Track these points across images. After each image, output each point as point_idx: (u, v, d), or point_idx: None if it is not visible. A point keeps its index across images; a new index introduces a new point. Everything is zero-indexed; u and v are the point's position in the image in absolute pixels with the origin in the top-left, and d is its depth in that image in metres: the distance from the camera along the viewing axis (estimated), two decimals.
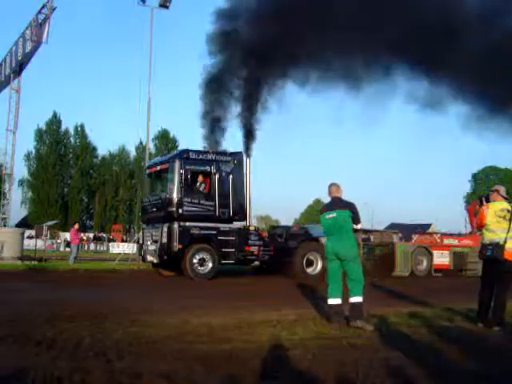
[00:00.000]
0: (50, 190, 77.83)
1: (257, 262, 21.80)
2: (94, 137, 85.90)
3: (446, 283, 22.52)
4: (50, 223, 45.70)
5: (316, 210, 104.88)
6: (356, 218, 9.38)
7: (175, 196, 19.94)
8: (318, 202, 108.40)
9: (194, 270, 19.61)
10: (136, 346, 7.01)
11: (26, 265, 23.79)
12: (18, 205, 76.73)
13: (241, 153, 22.40)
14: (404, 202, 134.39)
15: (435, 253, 26.34)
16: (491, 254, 9.44)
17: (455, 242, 27.64)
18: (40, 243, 37.89)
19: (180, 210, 19.85)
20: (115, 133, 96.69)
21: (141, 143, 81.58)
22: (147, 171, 23.27)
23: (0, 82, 32.57)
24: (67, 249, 45.24)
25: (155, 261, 20.66)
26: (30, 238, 41.54)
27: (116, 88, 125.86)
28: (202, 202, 20.35)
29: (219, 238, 20.34)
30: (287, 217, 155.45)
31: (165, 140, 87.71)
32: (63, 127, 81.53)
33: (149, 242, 21.24)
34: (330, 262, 9.46)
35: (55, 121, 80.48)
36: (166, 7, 31.34)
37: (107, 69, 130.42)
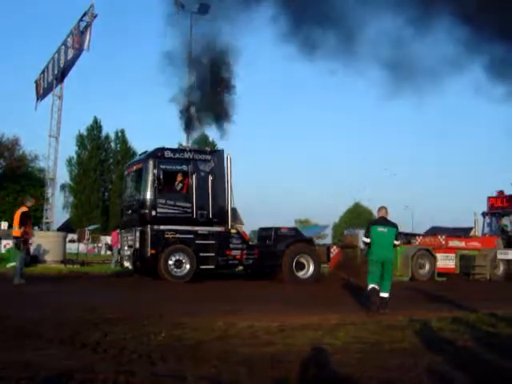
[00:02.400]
0: (91, 194, 78.61)
1: (240, 267, 20.83)
2: (135, 141, 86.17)
3: (488, 287, 22.23)
4: (92, 227, 46.28)
5: (356, 214, 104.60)
6: (398, 236, 12.55)
7: (148, 197, 18.76)
8: (357, 205, 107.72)
9: (169, 272, 18.44)
10: (179, 348, 7.08)
11: (69, 268, 24.15)
12: (60, 209, 77.77)
13: (222, 151, 20.88)
14: (449, 204, 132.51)
15: (439, 256, 25.11)
16: None
17: (462, 244, 26.42)
18: (82, 247, 38.32)
19: (153, 213, 18.67)
20: (155, 137, 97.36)
21: (181, 145, 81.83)
22: (125, 172, 22.12)
23: (43, 88, 33.13)
24: (108, 252, 45.75)
25: (130, 267, 19.65)
26: (72, 241, 42.19)
27: (156, 92, 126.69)
28: (178, 203, 19.10)
29: (197, 241, 19.04)
30: (326, 220, 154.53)
31: (204, 144, 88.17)
32: (104, 132, 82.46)
33: (125, 247, 20.22)
34: (374, 264, 12.35)
35: (96, 126, 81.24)
36: (205, 13, 31.52)
37: (148, 73, 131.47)
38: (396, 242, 12.48)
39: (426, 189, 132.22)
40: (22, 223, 16.87)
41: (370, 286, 12.26)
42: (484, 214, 30.46)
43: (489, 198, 30.48)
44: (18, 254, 17.12)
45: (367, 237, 12.58)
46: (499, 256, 26.26)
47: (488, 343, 8.13)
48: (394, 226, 12.56)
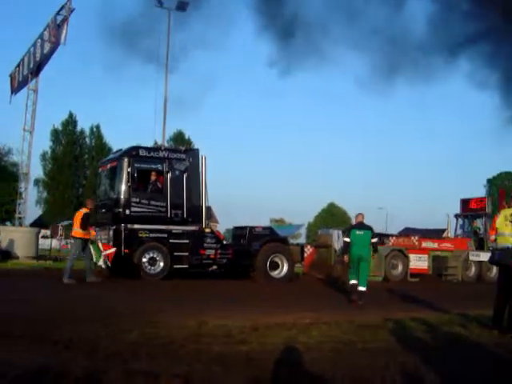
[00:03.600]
0: (65, 190, 78.00)
1: (214, 266, 20.51)
2: (110, 137, 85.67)
3: (460, 288, 22.46)
4: (65, 223, 45.94)
5: (330, 214, 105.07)
6: (373, 236, 15.12)
7: (122, 196, 18.56)
8: (331, 205, 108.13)
9: (143, 270, 18.27)
10: (152, 346, 7.06)
11: (41, 264, 23.95)
12: (33, 204, 77.10)
13: (197, 150, 20.83)
14: (422, 206, 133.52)
15: (412, 256, 25.11)
16: (499, 258, 9.44)
17: (435, 245, 26.53)
18: (55, 243, 38.05)
19: (127, 212, 18.50)
20: (131, 134, 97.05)
21: (156, 144, 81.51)
22: (99, 169, 21.90)
23: (18, 82, 32.85)
24: None
25: (103, 266, 18.95)
26: (44, 237, 41.80)
27: (132, 88, 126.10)
28: (152, 202, 18.91)
29: (171, 241, 18.88)
30: (301, 220, 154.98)
31: (180, 141, 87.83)
32: (79, 127, 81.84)
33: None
34: (353, 262, 14.77)
35: (71, 121, 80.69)
36: (184, 10, 31.51)
37: (123, 69, 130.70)
38: (373, 240, 15.06)
39: (399, 190, 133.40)
40: (85, 225, 17.04)
41: (351, 281, 14.93)
42: (457, 216, 30.76)
43: (462, 199, 30.79)
44: (73, 251, 17.27)
45: (347, 237, 15.31)
46: (471, 257, 26.51)
47: (459, 343, 8.22)
48: (370, 228, 15.15)
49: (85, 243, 17.31)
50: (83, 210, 17.36)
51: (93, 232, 17.71)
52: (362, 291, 14.70)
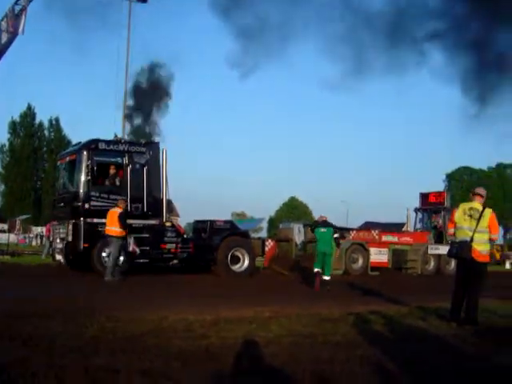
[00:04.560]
0: (23, 183, 76.95)
1: (175, 261, 20.51)
2: (69, 130, 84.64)
3: (419, 282, 22.73)
4: (23, 217, 45.28)
5: (292, 207, 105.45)
6: (335, 232, 17.59)
7: (81, 190, 18.35)
8: (293, 199, 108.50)
9: (103, 264, 17.96)
10: (112, 342, 6.99)
11: None
12: None
13: (157, 143, 20.88)
14: (382, 201, 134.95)
15: (372, 250, 25.33)
16: (457, 251, 9.57)
17: (395, 239, 26.81)
18: (12, 237, 37.46)
19: (86, 205, 18.26)
20: (90, 127, 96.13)
21: (116, 137, 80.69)
22: (58, 162, 21.51)
23: None
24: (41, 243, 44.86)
25: (62, 260, 19.28)
26: (1, 231, 41.18)
27: (93, 81, 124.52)
28: (111, 196, 18.57)
29: (131, 235, 18.44)
30: (262, 214, 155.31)
31: (140, 136, 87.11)
32: (37, 120, 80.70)
33: (57, 240, 19.66)
34: (319, 254, 17.24)
35: (29, 113, 79.57)
36: (144, 1, 31.25)
37: (83, 62, 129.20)
38: (335, 236, 17.50)
39: (361, 184, 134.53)
40: (123, 224, 17.10)
41: (315, 269, 17.19)
42: (416, 210, 31.12)
43: (421, 194, 31.16)
44: (112, 251, 17.11)
45: (312, 231, 18.18)
46: (430, 251, 26.85)
47: (418, 335, 8.31)
48: (332, 226, 17.78)
49: (122, 241, 17.35)
50: (118, 210, 17.30)
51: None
52: (326, 280, 17.07)
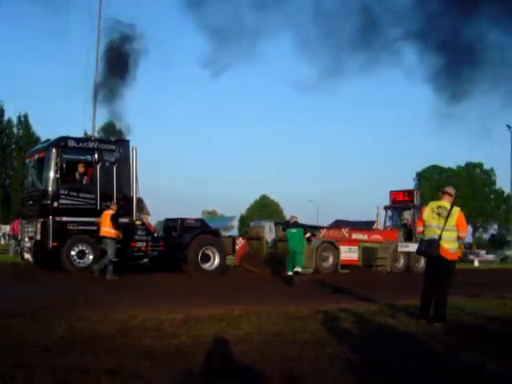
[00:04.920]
0: None
1: (146, 259, 20.63)
2: (39, 127, 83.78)
3: (389, 279, 22.90)
4: None
5: (263, 206, 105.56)
6: (305, 232, 19.41)
7: (50, 188, 18.25)
8: (264, 197, 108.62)
9: (72, 263, 18.03)
10: (81, 341, 6.94)
11: None
12: None
13: (127, 141, 20.70)
14: (353, 199, 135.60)
15: (343, 248, 25.39)
16: (425, 249, 9.66)
17: (365, 236, 26.97)
18: None
19: (55, 204, 18.17)
20: (60, 123, 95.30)
21: (86, 134, 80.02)
22: (27, 160, 21.38)
23: None
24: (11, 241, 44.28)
25: (30, 259, 19.19)
26: None
27: (61, 76, 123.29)
28: (81, 194, 18.66)
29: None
30: (233, 212, 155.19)
31: (111, 132, 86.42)
32: (6, 117, 79.57)
33: (26, 238, 19.57)
34: (290, 254, 18.74)
35: None
36: None
37: (51, 57, 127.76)
38: (307, 235, 19.56)
39: (332, 183, 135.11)
40: (117, 226, 17.63)
41: (289, 273, 18.85)
42: (386, 208, 31.33)
43: (391, 192, 31.37)
44: (109, 252, 17.46)
45: (284, 231, 19.75)
46: (400, 249, 27.06)
47: (388, 333, 8.38)
48: (302, 226, 19.48)
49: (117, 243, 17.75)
50: (110, 211, 17.62)
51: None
52: (297, 271, 18.82)
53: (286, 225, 20.06)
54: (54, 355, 6.13)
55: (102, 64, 27.20)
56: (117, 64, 27.09)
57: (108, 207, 17.93)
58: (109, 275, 17.20)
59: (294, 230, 18.86)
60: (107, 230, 17.48)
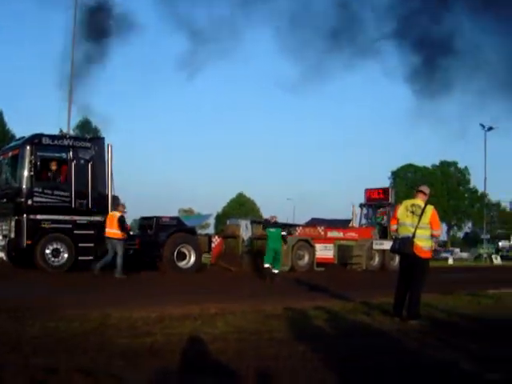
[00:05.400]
0: None
1: None
2: (13, 124, 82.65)
3: (364, 277, 23.02)
4: None
5: (239, 204, 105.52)
6: (283, 230, 20.12)
7: (24, 186, 18.09)
8: (240, 195, 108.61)
9: (46, 262, 17.96)
10: (53, 341, 6.87)
11: None
12: None
13: (102, 139, 20.79)
14: (329, 197, 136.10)
15: (318, 246, 25.52)
16: (399, 247, 9.72)
17: (340, 234, 27.07)
18: None
19: (29, 202, 18.04)
20: (34, 120, 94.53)
21: (61, 132, 79.38)
22: (1, 157, 20.84)
23: None
24: None
25: (5, 258, 18.91)
26: None
27: (36, 72, 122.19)
28: (55, 192, 18.52)
29: (76, 231, 18.59)
30: (209, 210, 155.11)
31: (86, 130, 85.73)
32: None
33: (0, 237, 19.28)
34: (269, 251, 19.45)
35: None
36: None
37: (26, 52, 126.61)
38: (283, 233, 19.91)
39: (309, 181, 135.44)
40: (123, 227, 18.03)
41: (266, 265, 19.60)
42: (361, 206, 31.46)
43: (366, 189, 31.51)
44: (119, 252, 17.83)
45: (264, 229, 20.72)
46: (375, 246, 27.22)
47: (363, 331, 8.41)
48: (280, 226, 20.42)
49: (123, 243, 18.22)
50: (117, 214, 18.12)
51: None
52: (275, 273, 19.48)
53: (265, 224, 20.91)
54: (26, 355, 6.05)
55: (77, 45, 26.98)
56: (94, 27, 27.02)
57: (114, 209, 18.57)
58: (117, 274, 17.63)
59: (272, 230, 19.67)
60: (114, 231, 17.85)
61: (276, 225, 20.13)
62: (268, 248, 19.60)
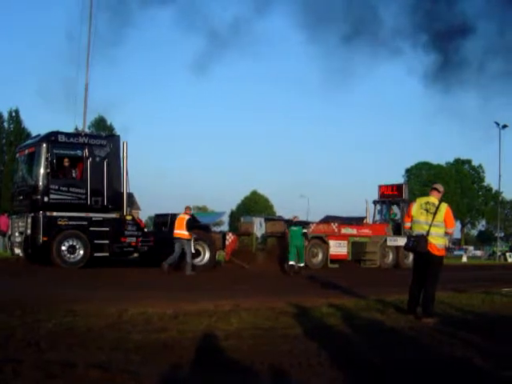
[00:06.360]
0: None
1: (136, 254, 20.72)
2: (29, 122, 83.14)
3: (376, 274, 22.98)
4: None
5: (253, 201, 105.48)
6: (304, 228, 21.98)
7: (41, 183, 18.25)
8: (254, 193, 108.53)
9: (62, 258, 18.11)
10: (70, 336, 6.93)
11: None
12: None
13: (118, 136, 20.83)
14: (344, 194, 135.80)
15: (332, 243, 25.59)
16: (412, 245, 9.70)
17: (354, 231, 26.99)
18: None
19: (46, 199, 18.18)
20: (51, 119, 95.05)
21: (76, 130, 79.65)
22: (17, 155, 21.27)
23: None
24: None
25: (21, 254, 19.08)
26: None
27: (52, 72, 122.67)
28: (71, 189, 18.65)
29: (91, 228, 18.70)
30: (224, 207, 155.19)
31: (101, 127, 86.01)
32: None
33: (16, 233, 19.50)
34: (292, 248, 21.14)
35: None
36: None
37: (44, 52, 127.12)
38: (304, 231, 21.59)
39: (322, 180, 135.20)
40: (190, 228, 18.98)
41: (290, 262, 21.11)
42: (375, 202, 31.29)
43: (380, 186, 31.33)
44: (188, 252, 18.84)
45: (287, 228, 22.32)
46: (389, 243, 27.12)
47: (377, 328, 8.42)
48: (301, 224, 22.31)
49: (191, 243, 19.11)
50: (186, 216, 19.08)
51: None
52: (302, 266, 21.46)
53: (289, 223, 22.98)
54: (43, 350, 6.12)
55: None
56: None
57: (184, 211, 19.40)
58: (188, 271, 18.58)
59: (295, 228, 21.49)
60: (182, 232, 18.80)
61: (297, 224, 21.98)
62: (291, 245, 21.13)
